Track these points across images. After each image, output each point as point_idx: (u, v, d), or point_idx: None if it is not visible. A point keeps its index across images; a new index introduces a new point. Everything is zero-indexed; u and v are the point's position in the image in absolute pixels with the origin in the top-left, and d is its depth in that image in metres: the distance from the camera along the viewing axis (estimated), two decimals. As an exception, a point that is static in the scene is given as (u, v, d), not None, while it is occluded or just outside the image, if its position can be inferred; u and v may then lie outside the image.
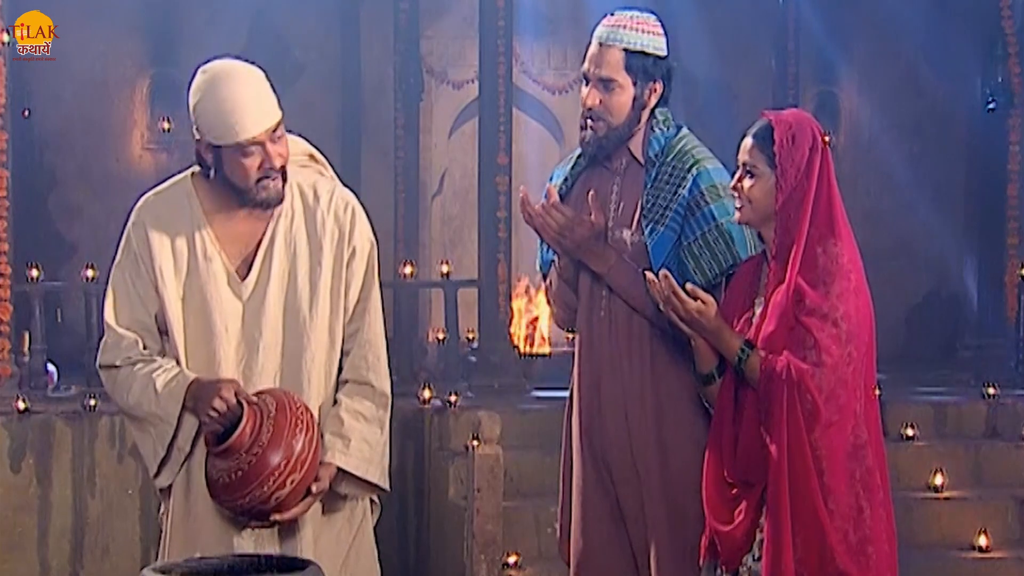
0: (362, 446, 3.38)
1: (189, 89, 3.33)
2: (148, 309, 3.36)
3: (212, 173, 3.33)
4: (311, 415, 3.24)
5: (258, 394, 3.24)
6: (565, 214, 3.60)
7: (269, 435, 3.15)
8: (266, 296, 3.35)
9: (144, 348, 3.35)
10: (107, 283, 3.42)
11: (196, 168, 3.41)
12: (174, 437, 3.32)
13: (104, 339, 3.40)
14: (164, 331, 3.38)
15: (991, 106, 9.09)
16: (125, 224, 3.43)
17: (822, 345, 3.20)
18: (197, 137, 3.31)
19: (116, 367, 3.36)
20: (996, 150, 9.06)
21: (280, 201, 3.32)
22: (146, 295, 3.35)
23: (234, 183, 3.29)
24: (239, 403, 3.20)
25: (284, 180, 3.32)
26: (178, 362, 3.34)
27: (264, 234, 3.37)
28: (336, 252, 3.40)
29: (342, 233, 3.41)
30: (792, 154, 3.30)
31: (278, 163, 3.28)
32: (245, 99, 3.25)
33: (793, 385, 3.20)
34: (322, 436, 3.32)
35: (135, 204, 3.43)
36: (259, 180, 3.27)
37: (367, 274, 3.45)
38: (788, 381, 3.21)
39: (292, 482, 3.17)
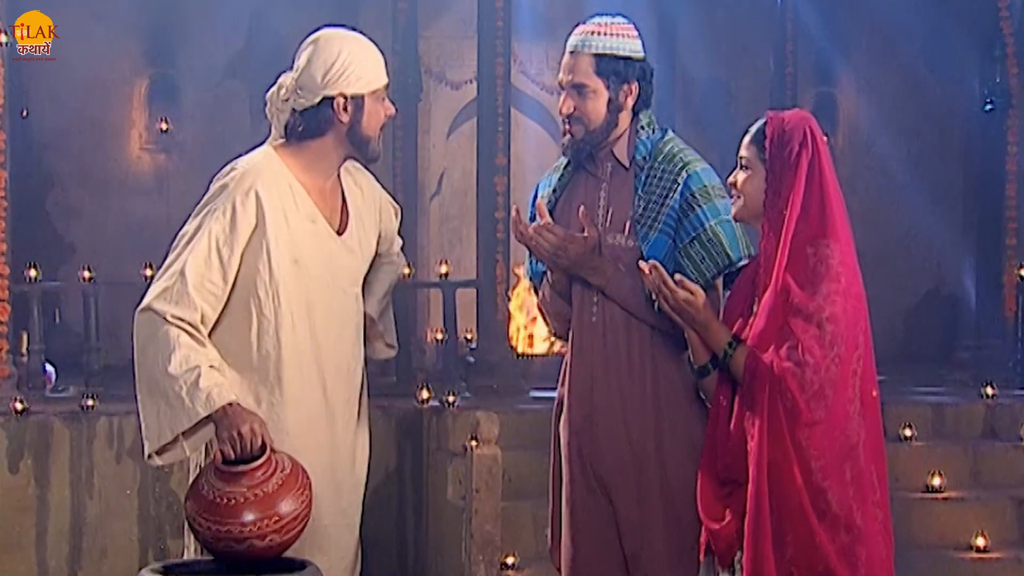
0: None
1: (302, 57, 3.58)
2: (227, 277, 3.48)
3: (326, 133, 3.57)
4: (311, 496, 3.35)
5: (274, 450, 3.37)
6: (557, 234, 3.63)
7: (276, 486, 3.25)
8: (356, 249, 3.69)
9: (201, 323, 3.44)
10: (182, 234, 3.51)
11: (275, 142, 3.63)
12: (185, 432, 3.40)
13: (171, 282, 3.44)
14: (226, 299, 3.51)
15: (989, 107, 9.10)
16: (207, 188, 3.56)
17: (804, 345, 3.21)
18: (331, 95, 3.54)
19: (165, 319, 3.40)
20: (994, 151, 9.06)
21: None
22: (229, 263, 3.47)
23: (365, 134, 3.60)
24: (263, 443, 3.33)
25: None
26: (262, 321, 3.51)
27: (343, 196, 3.69)
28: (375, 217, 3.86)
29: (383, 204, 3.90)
30: (779, 151, 3.32)
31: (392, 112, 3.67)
32: (374, 49, 3.65)
33: (775, 383, 3.21)
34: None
35: (232, 171, 3.56)
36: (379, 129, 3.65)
37: None
38: (770, 379, 3.22)
39: (271, 540, 3.23)
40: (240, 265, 3.49)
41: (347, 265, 3.66)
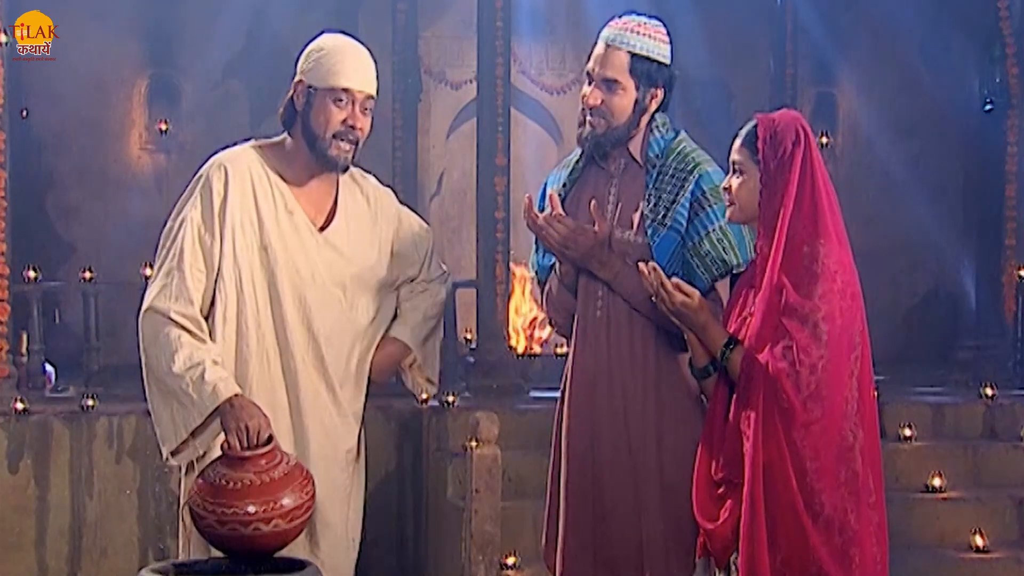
0: None
1: (303, 56, 3.62)
2: (211, 264, 3.51)
3: (295, 124, 3.58)
4: (314, 492, 3.39)
5: (278, 445, 3.42)
6: (567, 225, 3.63)
7: (280, 475, 3.31)
8: (341, 248, 3.66)
9: (199, 315, 3.48)
10: (167, 230, 3.57)
11: (256, 141, 3.68)
12: (197, 429, 3.45)
13: (168, 279, 3.48)
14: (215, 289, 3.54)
15: (989, 107, 9.08)
16: (192, 178, 3.63)
17: (800, 346, 3.21)
18: (297, 79, 3.57)
19: (168, 317, 3.45)
20: (994, 151, 9.05)
21: (345, 168, 3.63)
22: (211, 251, 3.52)
23: (312, 130, 3.56)
24: (268, 436, 3.38)
25: (354, 154, 3.61)
26: (237, 306, 3.52)
27: (336, 196, 3.68)
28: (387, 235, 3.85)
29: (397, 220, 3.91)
30: (773, 151, 3.31)
31: (358, 126, 3.56)
32: (357, 56, 3.60)
33: (770, 384, 3.21)
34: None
35: (207, 162, 3.62)
36: (335, 135, 3.54)
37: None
38: (765, 379, 3.22)
39: (276, 525, 3.26)
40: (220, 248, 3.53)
41: (328, 261, 3.64)
